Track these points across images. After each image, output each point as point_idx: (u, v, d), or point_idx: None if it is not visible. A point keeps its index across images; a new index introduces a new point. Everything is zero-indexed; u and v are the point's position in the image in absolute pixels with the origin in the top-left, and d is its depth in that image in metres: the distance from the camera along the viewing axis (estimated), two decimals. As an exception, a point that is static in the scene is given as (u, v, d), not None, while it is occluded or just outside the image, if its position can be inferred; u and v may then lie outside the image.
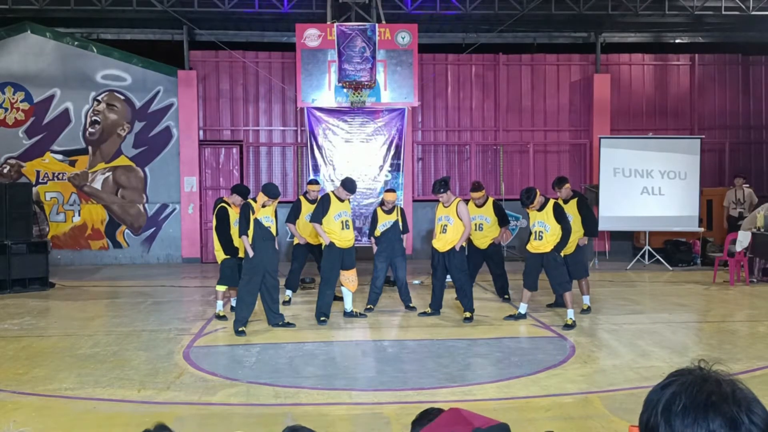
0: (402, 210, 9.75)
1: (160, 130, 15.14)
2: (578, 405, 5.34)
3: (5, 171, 14.75)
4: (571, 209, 8.81)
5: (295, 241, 9.77)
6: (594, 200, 13.67)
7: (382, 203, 9.62)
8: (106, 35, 15.54)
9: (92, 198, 15.04)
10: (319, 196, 9.22)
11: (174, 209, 15.20)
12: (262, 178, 15.32)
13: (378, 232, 9.42)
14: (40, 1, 13.48)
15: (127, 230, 15.17)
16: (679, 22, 15.25)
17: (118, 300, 10.55)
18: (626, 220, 14.06)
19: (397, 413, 5.06)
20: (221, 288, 8.72)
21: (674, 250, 14.14)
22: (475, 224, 9.44)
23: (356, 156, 12.52)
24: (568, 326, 8.00)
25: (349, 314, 8.78)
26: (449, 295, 9.40)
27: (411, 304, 9.33)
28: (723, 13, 14.34)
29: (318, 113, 12.44)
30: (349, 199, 8.86)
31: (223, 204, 8.62)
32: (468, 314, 8.50)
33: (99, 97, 14.98)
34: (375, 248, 9.44)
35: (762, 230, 11.57)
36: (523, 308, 8.57)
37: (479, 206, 9.63)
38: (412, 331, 8.13)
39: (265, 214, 7.98)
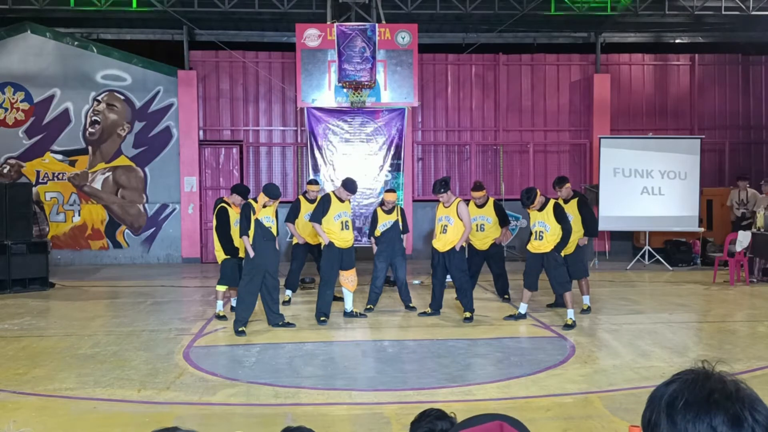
0: (402, 210, 9.74)
1: (160, 130, 15.14)
2: (578, 405, 5.34)
3: (5, 171, 14.75)
4: (572, 209, 8.81)
5: (294, 240, 9.77)
6: (594, 200, 13.66)
7: (382, 203, 9.62)
8: (106, 35, 15.55)
9: (92, 198, 15.04)
10: (319, 196, 9.22)
11: (174, 209, 15.20)
12: (262, 178, 15.32)
13: (378, 232, 9.42)
14: (40, 1, 13.48)
15: (127, 230, 15.17)
16: (679, 22, 15.25)
17: (118, 300, 10.55)
18: (626, 220, 14.06)
19: (397, 413, 5.06)
20: (221, 288, 8.73)
21: (674, 250, 14.13)
22: (476, 225, 9.45)
23: (356, 156, 12.51)
24: (568, 326, 8.00)
25: (349, 314, 8.78)
26: (449, 295, 9.40)
27: (411, 304, 9.33)
28: (723, 13, 14.34)
29: (318, 113, 12.42)
30: (349, 200, 8.86)
31: (223, 204, 8.62)
32: (468, 314, 8.51)
33: (99, 97, 14.98)
34: (375, 248, 9.44)
35: (762, 230, 11.56)
36: (523, 308, 8.58)
37: (480, 206, 9.63)
38: (412, 331, 8.13)
39: (266, 214, 7.98)
